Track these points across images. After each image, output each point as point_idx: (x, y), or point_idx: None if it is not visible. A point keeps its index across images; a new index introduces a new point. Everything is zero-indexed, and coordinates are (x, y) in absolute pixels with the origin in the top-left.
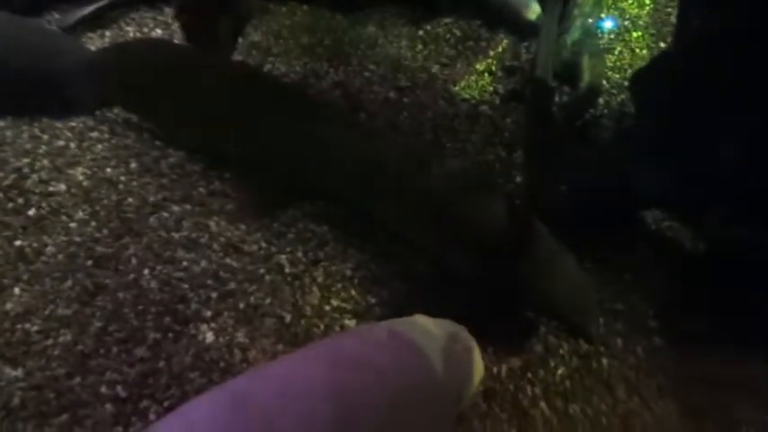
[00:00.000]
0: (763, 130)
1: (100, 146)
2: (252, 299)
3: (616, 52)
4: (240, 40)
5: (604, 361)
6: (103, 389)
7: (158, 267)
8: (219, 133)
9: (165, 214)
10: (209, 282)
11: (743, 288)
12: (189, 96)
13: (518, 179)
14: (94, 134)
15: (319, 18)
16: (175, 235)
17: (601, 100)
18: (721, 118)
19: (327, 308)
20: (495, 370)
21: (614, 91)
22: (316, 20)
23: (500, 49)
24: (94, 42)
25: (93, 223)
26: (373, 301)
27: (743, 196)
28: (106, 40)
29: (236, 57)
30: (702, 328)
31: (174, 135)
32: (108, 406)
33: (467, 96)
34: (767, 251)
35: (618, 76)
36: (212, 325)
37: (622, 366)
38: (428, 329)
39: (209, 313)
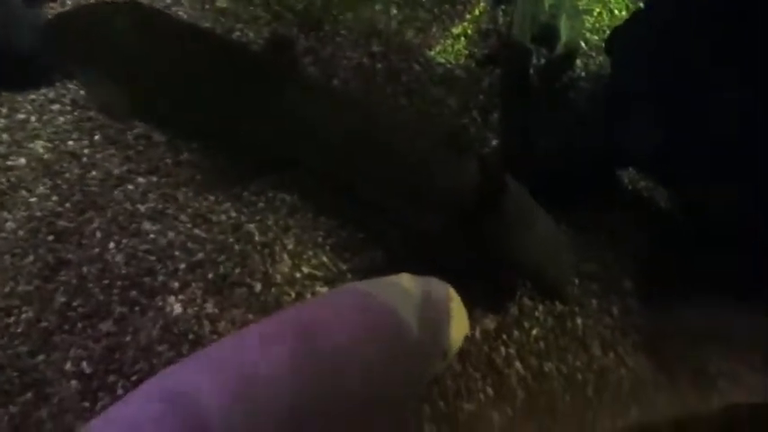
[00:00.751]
0: (743, 85)
1: (62, 118)
2: (221, 269)
3: (594, 13)
4: (207, 6)
5: (579, 321)
6: (68, 365)
7: (124, 241)
8: (187, 103)
9: (131, 187)
10: (177, 253)
11: (716, 247)
12: (152, 63)
13: (494, 143)
14: (56, 107)
15: None
16: (141, 207)
17: (579, 62)
18: (699, 75)
19: (298, 275)
20: (469, 332)
21: (593, 53)
22: None
23: (476, 13)
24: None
25: (55, 197)
26: (345, 267)
27: (723, 156)
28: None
29: (204, 24)
30: (676, 286)
31: (136, 105)
32: (73, 382)
33: (442, 61)
34: (743, 211)
35: (596, 37)
36: (180, 297)
37: (597, 326)
38: (406, 289)
39: (176, 285)
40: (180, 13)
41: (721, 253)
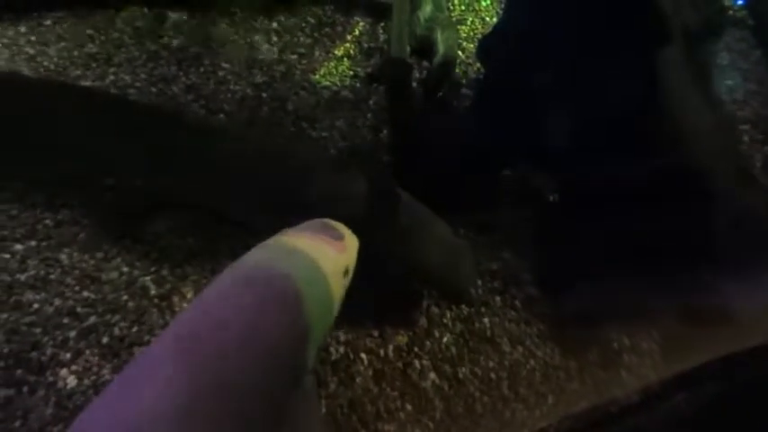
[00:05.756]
0: (599, 82)
1: None
2: (116, 330)
3: (468, 23)
4: (75, 53)
5: (486, 320)
6: None
7: (3, 316)
8: (58, 157)
9: (7, 255)
10: (65, 321)
11: (603, 229)
12: (9, 123)
13: (386, 159)
14: None
15: (163, 20)
16: (21, 276)
17: (458, 70)
18: (562, 74)
19: None
20: (381, 352)
21: (470, 60)
22: (159, 23)
23: (357, 33)
24: None
25: None
26: None
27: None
28: None
29: (73, 72)
30: (572, 270)
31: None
32: None
33: (328, 83)
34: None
35: (471, 45)
36: (73, 367)
37: (503, 321)
38: (288, 248)
39: (68, 356)
40: (45, 63)
41: (609, 232)
